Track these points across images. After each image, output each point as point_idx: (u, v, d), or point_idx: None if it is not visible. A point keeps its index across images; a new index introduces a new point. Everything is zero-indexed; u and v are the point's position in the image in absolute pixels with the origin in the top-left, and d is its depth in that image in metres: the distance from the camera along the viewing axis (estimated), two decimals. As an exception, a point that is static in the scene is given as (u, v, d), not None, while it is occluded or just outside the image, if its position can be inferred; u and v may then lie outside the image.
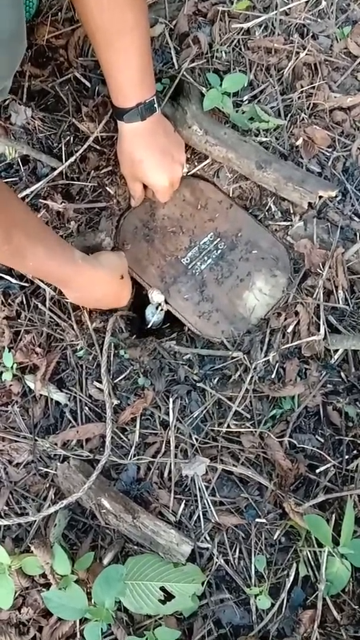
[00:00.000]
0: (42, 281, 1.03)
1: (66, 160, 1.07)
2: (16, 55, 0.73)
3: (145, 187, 1.08)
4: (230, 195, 1.14)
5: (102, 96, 1.10)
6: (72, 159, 1.07)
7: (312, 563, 0.92)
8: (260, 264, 1.09)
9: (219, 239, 1.11)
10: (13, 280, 1.03)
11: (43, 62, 1.14)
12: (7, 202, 0.76)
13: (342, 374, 1.01)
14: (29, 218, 0.82)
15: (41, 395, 1.00)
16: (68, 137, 1.09)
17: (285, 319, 1.03)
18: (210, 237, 1.11)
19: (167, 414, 0.99)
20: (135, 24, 0.88)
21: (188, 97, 1.09)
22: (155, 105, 0.98)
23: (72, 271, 0.89)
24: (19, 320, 1.03)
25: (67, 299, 1.01)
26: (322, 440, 0.98)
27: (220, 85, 1.10)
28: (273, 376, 1.01)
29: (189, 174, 1.15)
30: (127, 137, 1.00)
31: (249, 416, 0.99)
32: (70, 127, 1.10)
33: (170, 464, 0.97)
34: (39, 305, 1.03)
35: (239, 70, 1.15)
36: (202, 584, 0.91)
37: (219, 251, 1.10)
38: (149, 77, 0.96)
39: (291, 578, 0.92)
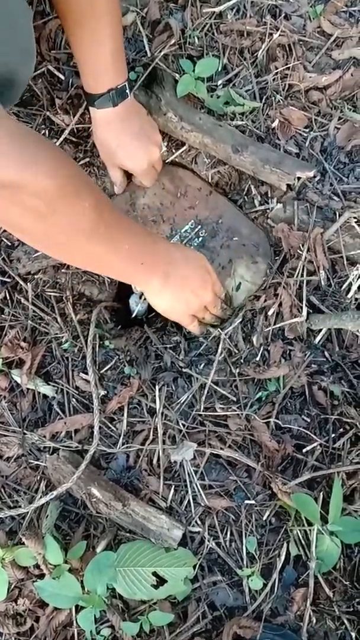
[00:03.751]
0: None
1: (42, 154, 1.07)
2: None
3: (128, 173, 1.08)
4: (210, 180, 1.14)
5: (76, 88, 1.10)
6: (48, 153, 1.07)
7: (303, 542, 0.93)
8: (242, 251, 1.08)
9: (199, 227, 1.11)
10: (-5, 277, 1.04)
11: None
12: (91, 184, 0.77)
13: (326, 354, 1.01)
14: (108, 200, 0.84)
15: (28, 389, 1.01)
16: (44, 131, 1.09)
17: (267, 301, 1.03)
18: (191, 225, 1.11)
19: (154, 401, 0.99)
20: (105, 8, 0.88)
21: (162, 85, 1.09)
22: (127, 91, 0.98)
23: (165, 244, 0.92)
24: (2, 316, 1.03)
25: (50, 292, 1.02)
26: (308, 420, 0.98)
27: (194, 70, 1.09)
28: (258, 359, 1.01)
29: (167, 161, 1.14)
30: (100, 124, 1.00)
31: (235, 399, 0.99)
32: (45, 121, 1.10)
33: (159, 450, 0.97)
34: (22, 300, 1.04)
35: (213, 55, 1.15)
36: (194, 567, 0.92)
37: (200, 239, 1.10)
38: (120, 62, 0.96)
39: (282, 558, 0.93)
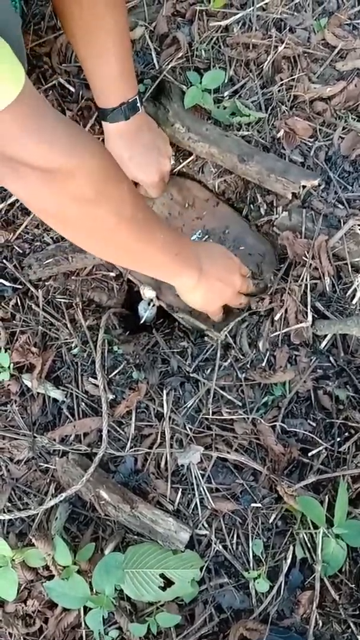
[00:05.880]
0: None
1: (53, 164, 1.09)
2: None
3: (136, 184, 1.11)
4: (216, 189, 1.16)
5: (86, 100, 1.13)
6: (59, 163, 1.10)
7: (309, 545, 0.94)
8: (247, 260, 1.10)
9: (207, 237, 1.13)
10: (6, 283, 1.06)
11: (28, 70, 1.16)
12: (122, 176, 0.77)
13: (332, 359, 1.02)
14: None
15: (38, 393, 1.03)
16: (54, 142, 1.12)
17: (272, 304, 1.04)
18: (199, 235, 1.13)
19: (162, 405, 1.01)
20: (114, 22, 0.90)
21: (169, 96, 1.12)
22: (139, 104, 1.00)
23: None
24: (14, 322, 1.06)
25: (60, 298, 1.05)
26: (314, 424, 1.00)
27: (200, 82, 1.12)
28: (264, 364, 1.02)
29: (175, 172, 1.17)
30: (112, 137, 1.03)
31: (241, 404, 1.01)
32: (56, 132, 1.12)
33: (166, 454, 0.99)
34: (33, 306, 1.06)
35: (219, 67, 1.18)
36: (201, 569, 0.93)
37: (208, 247, 1.12)
38: (131, 76, 0.98)
39: (288, 560, 0.94)
